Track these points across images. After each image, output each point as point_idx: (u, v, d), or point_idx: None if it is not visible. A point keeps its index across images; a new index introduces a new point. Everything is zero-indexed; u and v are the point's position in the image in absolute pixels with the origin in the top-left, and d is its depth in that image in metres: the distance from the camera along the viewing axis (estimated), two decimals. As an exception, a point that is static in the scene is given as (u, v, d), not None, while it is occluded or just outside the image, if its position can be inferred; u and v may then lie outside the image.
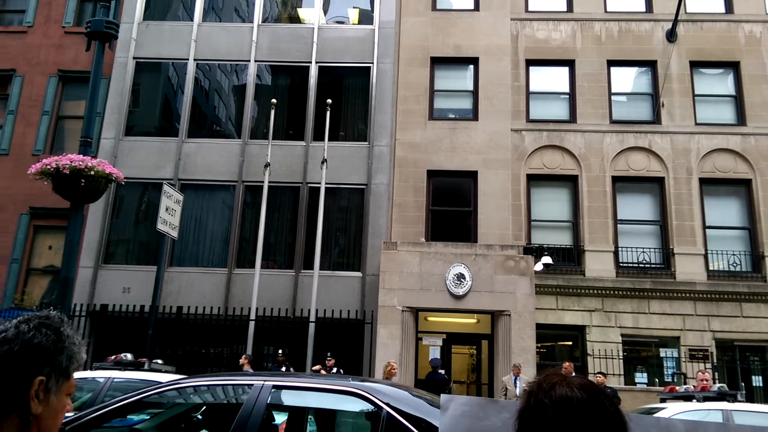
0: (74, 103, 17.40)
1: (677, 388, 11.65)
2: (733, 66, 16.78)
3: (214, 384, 4.31)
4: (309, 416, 4.51)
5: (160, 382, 4.46)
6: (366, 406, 3.69)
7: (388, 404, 3.47)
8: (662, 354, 15.13)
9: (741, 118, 16.41)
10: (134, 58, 17.46)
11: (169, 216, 13.39)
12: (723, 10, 17.22)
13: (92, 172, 8.12)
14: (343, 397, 3.85)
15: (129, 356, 8.61)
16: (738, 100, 16.59)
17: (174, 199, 13.66)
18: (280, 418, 4.23)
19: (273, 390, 3.80)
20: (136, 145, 16.82)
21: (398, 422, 3.38)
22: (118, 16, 16.94)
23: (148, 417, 4.46)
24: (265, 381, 3.81)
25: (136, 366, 8.28)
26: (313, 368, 13.02)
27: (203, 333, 14.93)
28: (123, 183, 9.27)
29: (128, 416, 4.17)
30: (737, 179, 16.03)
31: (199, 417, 4.51)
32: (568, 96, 16.90)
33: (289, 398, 4.19)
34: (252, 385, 3.82)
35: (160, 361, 9.55)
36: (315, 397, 4.19)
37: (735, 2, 17.14)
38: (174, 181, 16.10)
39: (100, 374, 7.79)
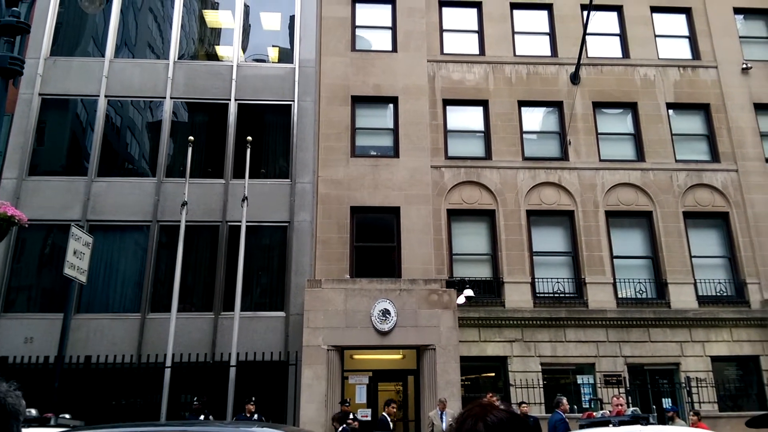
0: (-29, 140, 16.26)
1: (594, 413, 12.09)
2: (632, 106, 18.12)
3: None
4: None
5: None
6: None
7: None
8: (579, 381, 15.64)
9: (640, 155, 17.66)
10: (40, 94, 16.61)
11: (77, 260, 12.66)
12: (620, 55, 18.65)
13: (-8, 215, 7.56)
14: None
15: (33, 412, 7.95)
16: (637, 137, 17.87)
17: (83, 241, 12.94)
18: None
19: None
20: (41, 185, 15.88)
21: None
22: (24, 51, 16.17)
23: None
24: None
25: (42, 422, 7.65)
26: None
27: (115, 383, 14.03)
28: (26, 225, 8.68)
29: None
30: (639, 211, 17.13)
31: None
32: (483, 134, 17.60)
33: None
34: None
35: (67, 416, 8.89)
36: None
37: (631, 48, 18.63)
38: (82, 223, 15.28)
39: (-1, 434, 7.13)
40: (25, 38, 16.23)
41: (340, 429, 11.35)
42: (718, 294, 16.47)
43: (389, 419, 12.11)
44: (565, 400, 12.28)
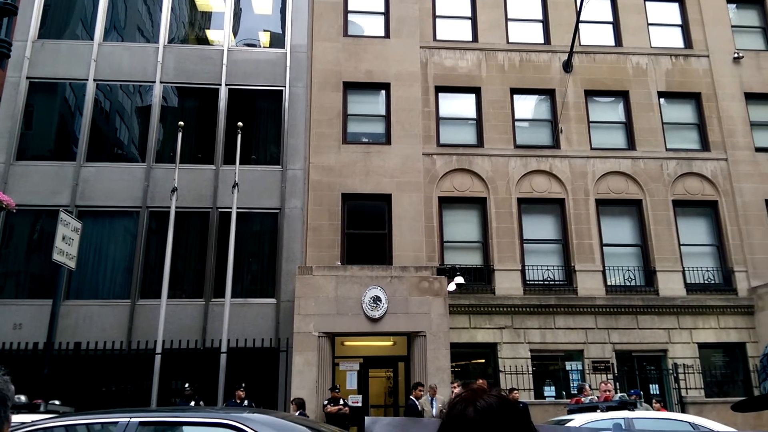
0: (-43, 124, 16.03)
1: (582, 399, 12.21)
2: (623, 95, 18.14)
3: (79, 423, 4.18)
4: None
5: (24, 423, 4.22)
6: None
7: None
8: (568, 367, 15.79)
9: (631, 143, 17.71)
10: (28, 77, 16.39)
11: (66, 245, 12.56)
12: (613, 43, 18.63)
13: (-21, 199, 7.49)
14: (215, 429, 3.89)
15: (23, 398, 7.89)
16: (628, 126, 17.91)
17: (71, 227, 12.84)
18: None
19: (139, 427, 3.75)
20: (29, 169, 15.71)
21: None
22: (11, 33, 15.90)
23: None
24: (131, 418, 3.78)
25: (31, 408, 7.61)
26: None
27: (105, 369, 14.00)
28: (14, 211, 8.62)
29: None
30: (629, 200, 17.22)
31: None
32: (475, 121, 17.57)
33: None
34: (117, 422, 3.79)
35: (57, 402, 8.86)
36: (186, 431, 4.16)
37: (624, 36, 18.60)
38: (71, 208, 15.16)
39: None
40: (12, 20, 15.94)
41: (297, 413, 11.46)
42: (706, 282, 16.63)
43: (417, 403, 12.04)
44: (587, 386, 12.42)
